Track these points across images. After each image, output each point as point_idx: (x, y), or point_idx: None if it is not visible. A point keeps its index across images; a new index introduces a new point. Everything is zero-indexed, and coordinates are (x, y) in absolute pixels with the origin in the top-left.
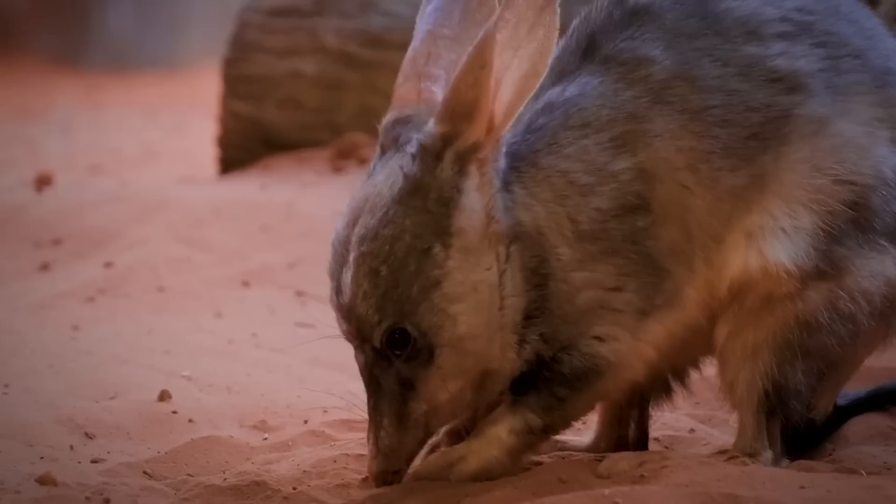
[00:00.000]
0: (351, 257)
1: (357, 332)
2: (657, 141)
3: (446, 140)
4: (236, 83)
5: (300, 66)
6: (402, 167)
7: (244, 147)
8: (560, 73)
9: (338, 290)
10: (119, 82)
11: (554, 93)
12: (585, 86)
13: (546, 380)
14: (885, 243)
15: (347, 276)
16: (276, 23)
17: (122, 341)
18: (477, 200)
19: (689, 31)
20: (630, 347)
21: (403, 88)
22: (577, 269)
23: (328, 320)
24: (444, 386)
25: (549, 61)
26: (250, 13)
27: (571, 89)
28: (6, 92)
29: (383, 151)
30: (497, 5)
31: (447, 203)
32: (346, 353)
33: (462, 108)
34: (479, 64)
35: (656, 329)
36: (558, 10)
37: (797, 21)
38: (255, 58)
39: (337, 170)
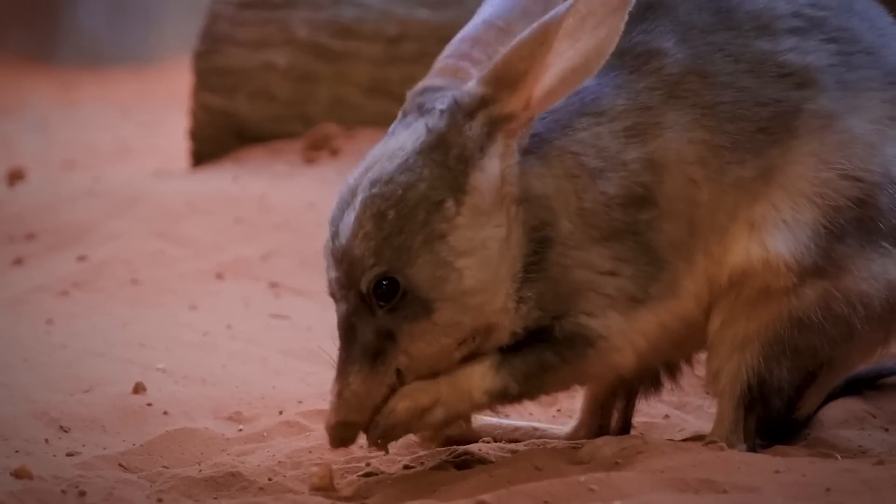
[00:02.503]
0: (358, 199)
1: (346, 276)
2: (668, 133)
3: (483, 101)
4: (207, 76)
5: (271, 58)
6: (426, 123)
7: (216, 140)
8: None
9: (335, 235)
10: (92, 78)
11: None
12: (602, 76)
13: (538, 340)
14: (889, 246)
15: (350, 218)
16: (246, 15)
17: (97, 335)
18: (496, 166)
19: (702, 25)
20: (620, 328)
21: (445, 63)
22: (573, 247)
23: (302, 312)
24: (432, 341)
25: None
26: (221, 5)
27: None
28: None
29: (405, 115)
30: None
31: (467, 161)
32: (320, 344)
33: (509, 76)
34: (540, 40)
35: (649, 319)
36: (626, 17)
37: (809, 16)
38: (226, 50)
39: (309, 161)
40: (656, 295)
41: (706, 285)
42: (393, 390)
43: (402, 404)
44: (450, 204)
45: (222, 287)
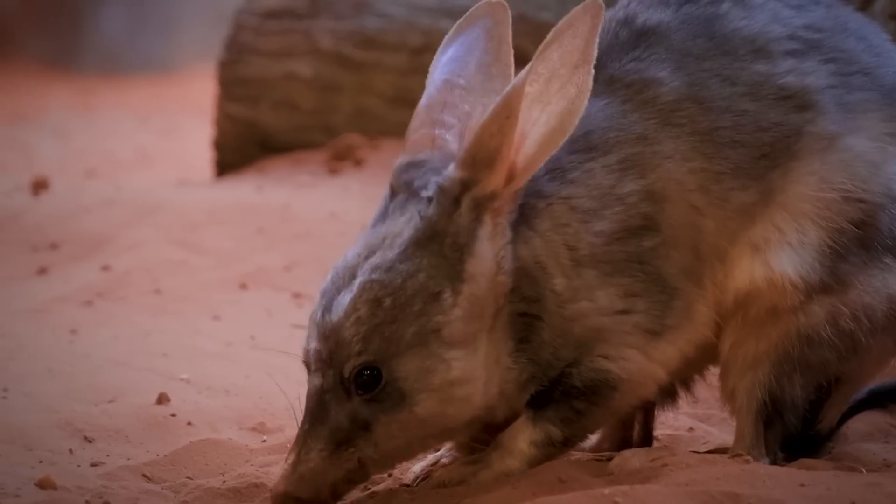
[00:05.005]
0: (357, 281)
1: (329, 355)
2: (668, 162)
3: (465, 185)
4: (231, 86)
5: (295, 68)
6: (419, 211)
7: (240, 149)
8: None
9: (326, 309)
10: (112, 85)
11: None
12: (590, 108)
13: (563, 393)
14: (890, 262)
15: (346, 298)
16: (270, 25)
17: (120, 344)
18: (489, 249)
19: (697, 51)
20: (641, 367)
21: (417, 134)
22: (572, 301)
23: None
24: (409, 432)
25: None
26: (245, 15)
27: None
28: None
29: (394, 193)
30: (511, 62)
31: (461, 249)
32: None
33: (483, 156)
34: (505, 114)
35: (669, 350)
36: (592, 72)
37: (805, 38)
38: (250, 60)
39: (332, 171)
40: (672, 325)
41: (716, 310)
42: (349, 478)
43: (453, 465)
44: (447, 295)
45: (245, 297)
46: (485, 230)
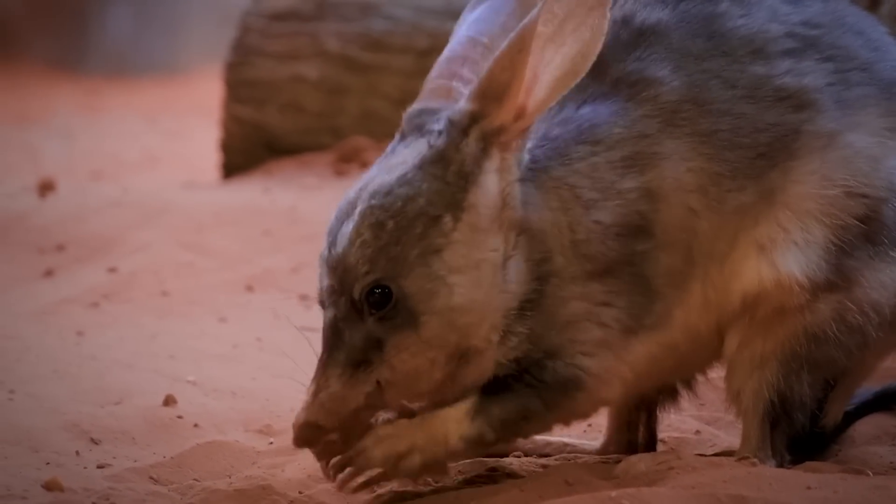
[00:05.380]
0: (357, 210)
1: (339, 283)
2: (666, 162)
3: (474, 117)
4: (238, 88)
5: (302, 71)
6: (428, 141)
7: (246, 151)
8: (572, 91)
9: (332, 244)
10: (118, 87)
11: (569, 110)
12: (598, 105)
13: (527, 386)
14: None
15: (348, 227)
16: (277, 27)
17: (127, 346)
18: (495, 182)
19: (696, 51)
20: (612, 365)
21: (435, 84)
22: (569, 280)
23: None
24: (417, 355)
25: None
26: (252, 17)
27: (585, 107)
28: (5, 97)
29: (403, 136)
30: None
31: (465, 178)
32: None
33: (494, 89)
34: (518, 48)
35: (639, 350)
36: (608, 15)
37: (803, 36)
38: (257, 62)
39: (339, 173)
40: (648, 325)
41: (701, 313)
42: (369, 403)
43: (378, 449)
44: (447, 219)
45: (251, 299)
46: (492, 163)
